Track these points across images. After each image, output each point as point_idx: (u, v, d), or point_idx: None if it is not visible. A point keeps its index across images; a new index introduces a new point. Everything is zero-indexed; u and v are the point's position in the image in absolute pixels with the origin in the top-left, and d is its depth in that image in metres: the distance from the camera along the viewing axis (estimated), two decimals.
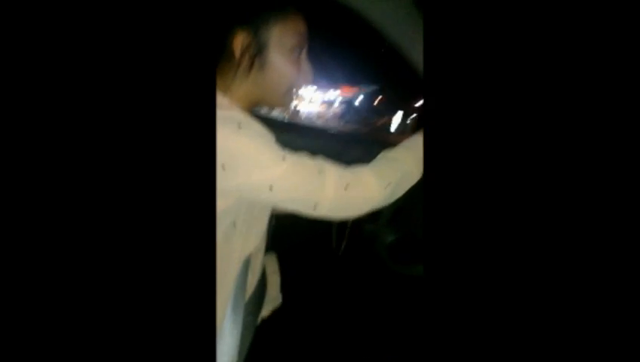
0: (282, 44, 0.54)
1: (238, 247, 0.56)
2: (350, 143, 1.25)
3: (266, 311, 0.71)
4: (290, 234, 0.96)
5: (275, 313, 0.71)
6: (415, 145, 0.60)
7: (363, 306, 0.78)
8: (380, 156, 0.59)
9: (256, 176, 0.47)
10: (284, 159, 0.48)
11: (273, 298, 0.75)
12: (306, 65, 0.58)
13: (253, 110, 0.59)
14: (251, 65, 0.54)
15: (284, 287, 0.78)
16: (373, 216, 0.92)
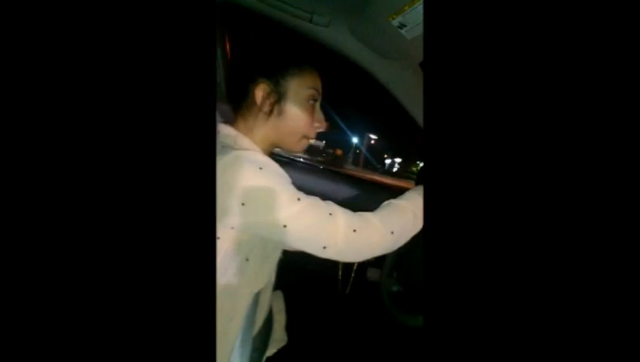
0: (298, 95, 0.61)
1: (251, 282, 0.59)
2: (352, 185, 1.31)
3: (270, 351, 0.72)
4: (297, 273, 0.98)
5: (280, 351, 0.72)
6: (418, 195, 0.64)
7: (367, 348, 0.78)
8: (385, 204, 0.63)
9: (273, 215, 0.51)
10: (299, 200, 0.53)
11: (279, 338, 0.76)
12: (319, 115, 0.65)
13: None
14: (271, 112, 0.61)
15: (290, 326, 0.80)
16: (377, 261, 0.94)
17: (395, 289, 0.84)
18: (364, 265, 1.04)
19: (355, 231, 0.55)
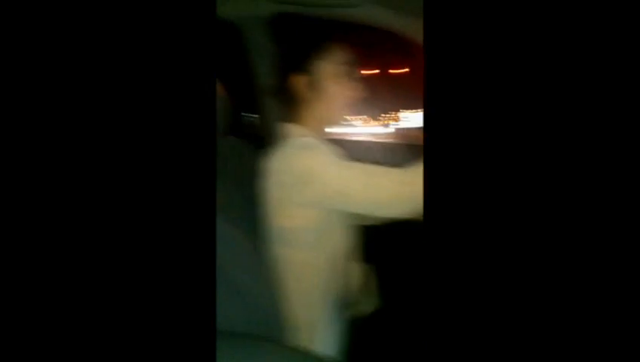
0: (330, 76, 0.68)
1: (327, 251, 0.67)
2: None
3: (365, 311, 0.80)
4: (386, 247, 1.04)
5: (374, 312, 0.80)
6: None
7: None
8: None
9: (329, 187, 0.60)
10: (348, 169, 0.61)
11: (370, 301, 0.84)
12: (353, 84, 0.70)
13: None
14: (310, 99, 0.69)
15: (381, 291, 0.86)
16: None
17: None
18: None
19: (401, 184, 0.60)
